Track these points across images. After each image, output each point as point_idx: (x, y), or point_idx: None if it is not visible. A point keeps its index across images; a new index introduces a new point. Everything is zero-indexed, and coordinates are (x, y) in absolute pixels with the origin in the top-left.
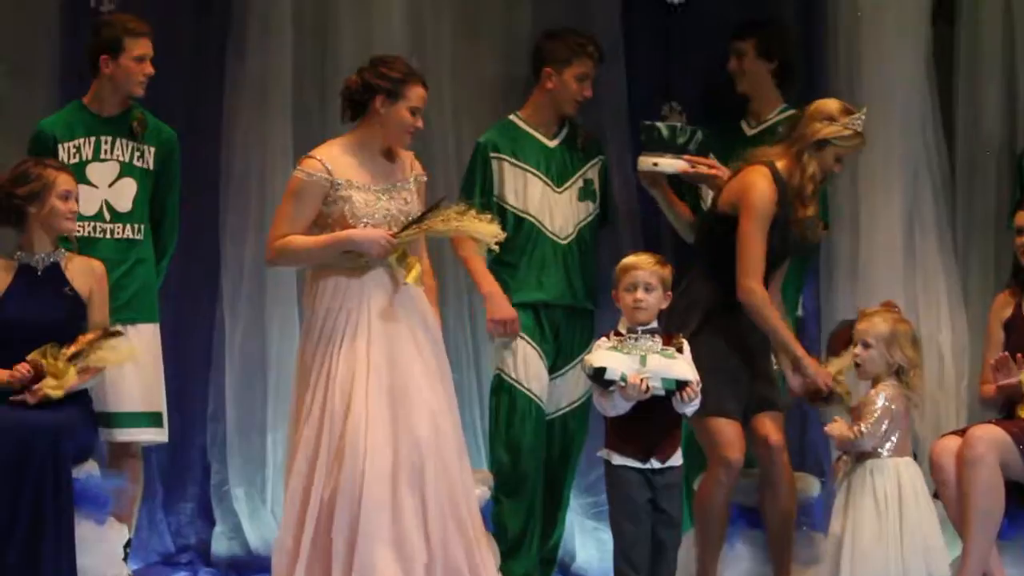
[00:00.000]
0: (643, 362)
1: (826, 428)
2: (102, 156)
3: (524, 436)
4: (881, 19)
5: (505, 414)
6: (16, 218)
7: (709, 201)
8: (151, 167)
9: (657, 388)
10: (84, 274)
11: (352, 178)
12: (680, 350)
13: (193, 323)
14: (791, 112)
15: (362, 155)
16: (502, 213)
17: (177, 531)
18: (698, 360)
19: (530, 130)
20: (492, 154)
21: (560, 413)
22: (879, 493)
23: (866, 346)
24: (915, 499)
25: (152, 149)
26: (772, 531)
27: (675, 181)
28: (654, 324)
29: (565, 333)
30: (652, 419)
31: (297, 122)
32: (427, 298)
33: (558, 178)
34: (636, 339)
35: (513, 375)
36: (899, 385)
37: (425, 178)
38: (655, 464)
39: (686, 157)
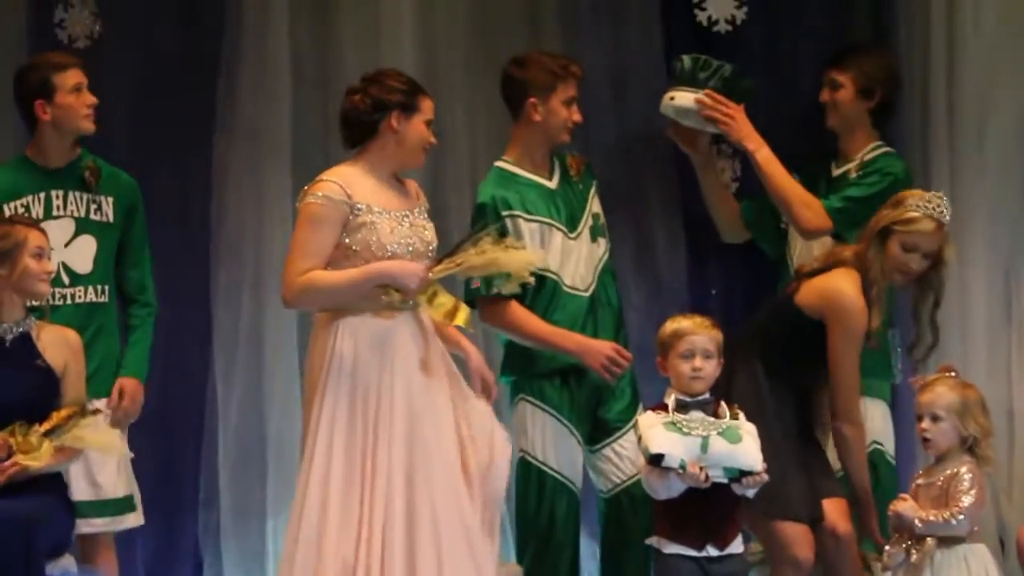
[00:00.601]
0: (704, 447)
1: (898, 507)
2: (55, 213)
3: (554, 526)
4: (979, 59)
5: (535, 503)
6: None
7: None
8: (111, 220)
9: (719, 477)
10: (57, 345)
11: (372, 202)
12: (736, 417)
13: (181, 397)
14: (885, 150)
15: (375, 178)
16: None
17: None
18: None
19: (527, 175)
20: (504, 212)
21: (621, 488)
22: None
23: (935, 419)
24: None
25: (110, 199)
26: None
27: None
28: (707, 395)
29: (606, 395)
30: (709, 501)
31: (297, 172)
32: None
33: (570, 222)
34: (693, 417)
35: (540, 457)
36: (973, 460)
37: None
38: (712, 552)
39: (706, 92)
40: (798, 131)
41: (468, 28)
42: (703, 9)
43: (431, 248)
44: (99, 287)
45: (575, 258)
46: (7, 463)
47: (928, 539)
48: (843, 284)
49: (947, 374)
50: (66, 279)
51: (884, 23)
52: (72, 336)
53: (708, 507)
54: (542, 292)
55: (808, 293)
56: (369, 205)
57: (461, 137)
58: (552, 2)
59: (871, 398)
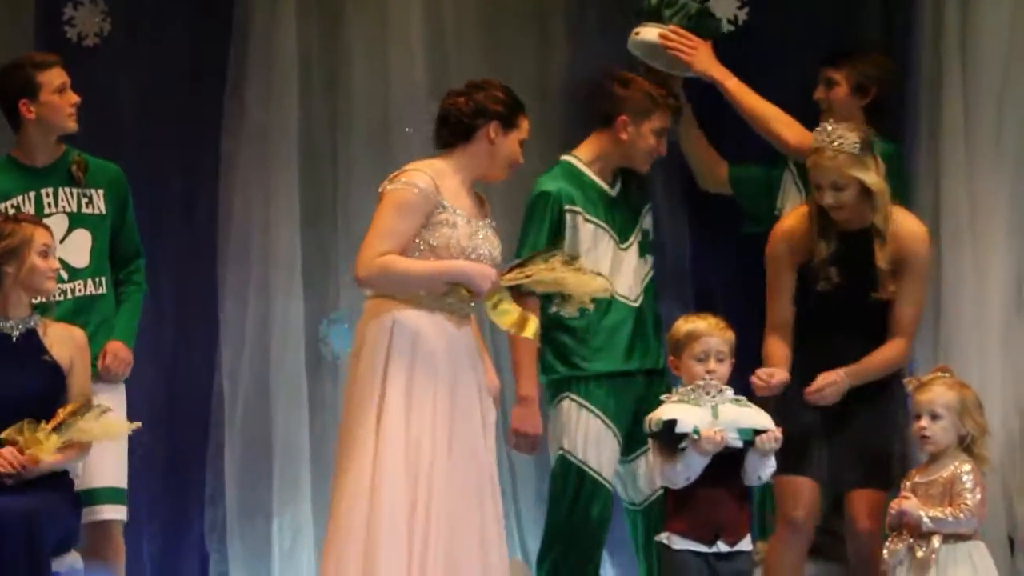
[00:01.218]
0: (715, 413)
1: (901, 504)
2: (46, 211)
3: (586, 527)
4: (993, 58)
5: (570, 502)
6: None
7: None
8: (103, 211)
9: (734, 439)
10: (64, 342)
11: (455, 203)
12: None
13: (188, 395)
14: (881, 146)
15: (459, 181)
16: None
17: None
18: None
19: (593, 176)
20: (567, 206)
21: (655, 497)
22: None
23: (934, 417)
24: None
25: (100, 191)
26: None
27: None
28: None
29: (647, 405)
30: (721, 493)
31: (305, 174)
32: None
33: (622, 234)
34: (699, 392)
35: (580, 456)
36: (971, 458)
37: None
38: (722, 548)
39: (670, 27)
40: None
41: (476, 30)
42: None
43: (498, 263)
44: (96, 279)
45: (626, 269)
46: (22, 457)
47: (934, 536)
48: (783, 218)
49: (942, 374)
50: (65, 274)
51: (895, 19)
52: (78, 333)
53: (721, 500)
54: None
55: None
56: (452, 205)
57: None
58: (560, 4)
59: None
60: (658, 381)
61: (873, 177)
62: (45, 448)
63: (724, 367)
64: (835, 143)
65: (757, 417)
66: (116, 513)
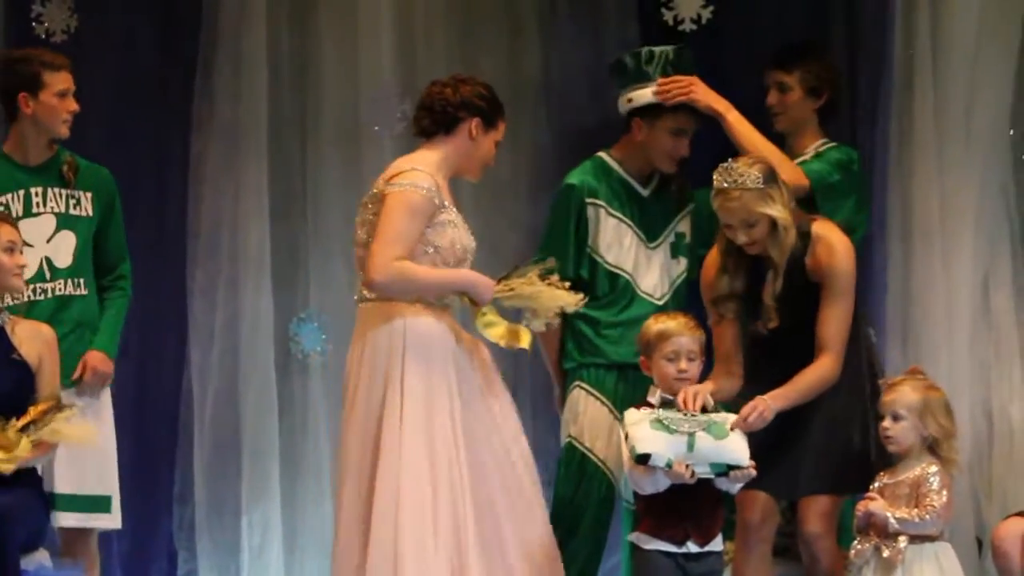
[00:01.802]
0: (691, 445)
1: (868, 506)
2: (35, 210)
3: (586, 514)
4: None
5: (572, 487)
6: None
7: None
8: (91, 214)
9: (705, 473)
10: (32, 340)
11: (448, 202)
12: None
13: (157, 394)
14: (831, 146)
15: (443, 176)
16: (593, 267)
17: None
18: None
19: (624, 174)
20: (589, 200)
21: None
22: None
23: (896, 418)
24: None
25: (89, 194)
26: None
27: None
28: None
29: None
30: (694, 495)
31: (274, 171)
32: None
33: (650, 233)
34: (678, 414)
35: (587, 443)
36: (936, 459)
37: None
38: (692, 548)
39: (659, 81)
40: (767, 129)
41: (446, 27)
42: (670, 8)
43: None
44: (76, 280)
45: (652, 267)
46: None
47: (900, 536)
48: (711, 251)
49: (914, 375)
50: (47, 273)
51: (863, 20)
52: (46, 330)
53: (693, 501)
54: (616, 290)
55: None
56: (447, 203)
57: None
58: (532, 2)
59: None
60: None
61: (779, 210)
62: (18, 448)
63: (695, 366)
64: (738, 181)
65: (733, 451)
66: (94, 521)
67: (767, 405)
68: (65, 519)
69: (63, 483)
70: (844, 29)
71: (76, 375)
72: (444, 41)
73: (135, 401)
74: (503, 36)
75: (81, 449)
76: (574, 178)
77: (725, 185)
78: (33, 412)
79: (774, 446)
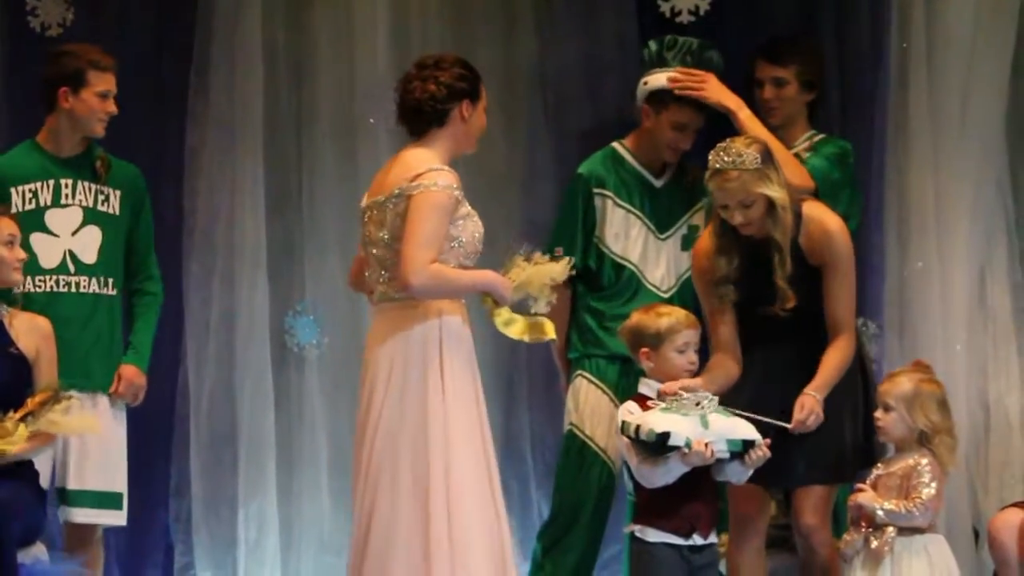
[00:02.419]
0: (704, 423)
1: (856, 498)
2: (63, 201)
3: (586, 501)
4: (958, 55)
5: (572, 474)
6: None
7: None
8: (117, 212)
9: (722, 452)
10: (29, 332)
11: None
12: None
13: (153, 387)
14: (821, 137)
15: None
16: (600, 257)
17: None
18: None
19: (636, 165)
20: (596, 189)
21: None
22: (939, 569)
23: (887, 409)
24: None
25: (118, 192)
26: None
27: None
28: None
29: None
30: (698, 487)
31: (270, 165)
32: None
33: (661, 224)
34: (684, 399)
35: (586, 431)
36: (928, 453)
37: None
38: (697, 540)
39: (675, 69)
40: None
41: (442, 19)
42: (666, 0)
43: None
44: (103, 279)
45: (660, 259)
46: None
47: (888, 527)
48: (701, 237)
49: (916, 368)
50: (71, 267)
51: (859, 12)
52: (43, 323)
53: (696, 493)
54: (621, 281)
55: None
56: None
57: None
58: None
59: None
60: None
61: (777, 190)
62: (14, 439)
63: (697, 358)
64: (736, 162)
65: (747, 428)
66: (103, 518)
67: (812, 399)
68: (75, 515)
69: (74, 479)
70: (839, 21)
71: (112, 389)
72: (439, 33)
73: None
74: (498, 28)
75: (94, 445)
76: (584, 168)
77: (722, 165)
78: (31, 403)
79: (768, 437)
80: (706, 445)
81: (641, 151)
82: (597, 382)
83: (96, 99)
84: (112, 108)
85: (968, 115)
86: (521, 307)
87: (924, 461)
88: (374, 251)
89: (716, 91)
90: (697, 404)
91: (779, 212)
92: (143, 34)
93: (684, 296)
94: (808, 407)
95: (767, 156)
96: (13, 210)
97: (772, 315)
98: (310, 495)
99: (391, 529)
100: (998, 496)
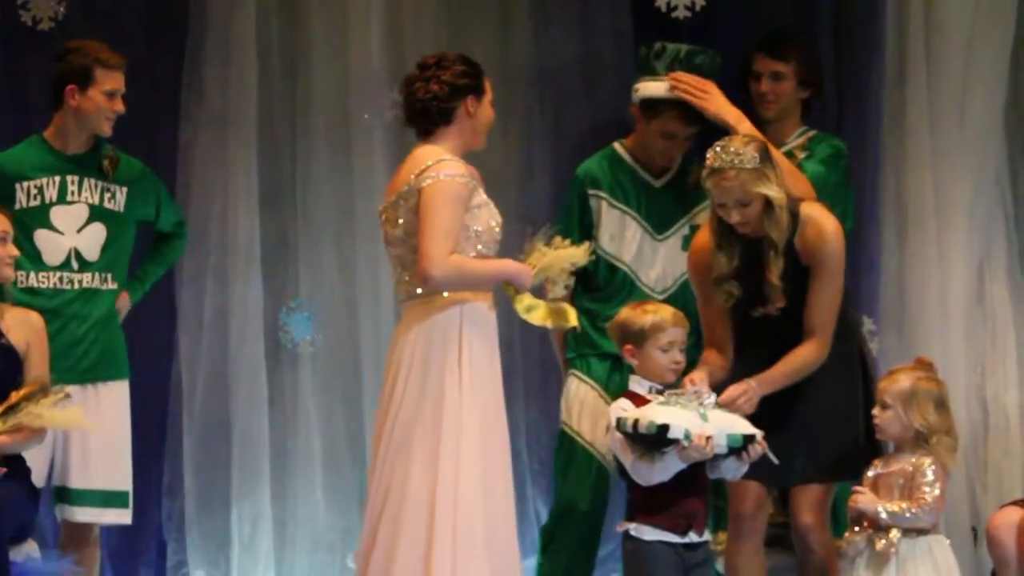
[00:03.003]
0: (704, 417)
1: (857, 503)
2: (68, 198)
3: (579, 497)
4: (956, 49)
5: (562, 470)
6: None
7: None
8: (122, 210)
9: (721, 447)
10: (20, 326)
11: (478, 184)
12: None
13: (145, 383)
14: (813, 133)
15: None
16: (596, 258)
17: None
18: None
19: (634, 165)
20: (591, 190)
21: None
22: (943, 572)
23: (884, 407)
24: None
25: (124, 189)
26: None
27: None
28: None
29: None
30: (694, 484)
31: (264, 160)
32: None
33: (660, 224)
34: (681, 393)
35: (575, 427)
36: (930, 453)
37: None
38: (693, 538)
39: (671, 75)
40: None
41: (437, 16)
42: None
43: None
44: (103, 275)
45: (657, 260)
46: None
47: (893, 529)
48: (698, 232)
49: (918, 365)
50: (75, 264)
51: (857, 8)
52: (35, 316)
53: (691, 491)
54: (614, 282)
55: None
56: (479, 186)
57: None
58: None
59: None
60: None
61: (775, 190)
62: None
63: (684, 357)
64: (734, 161)
65: (746, 424)
66: (107, 517)
67: (752, 387)
68: (79, 514)
69: (79, 478)
70: (836, 16)
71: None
72: (433, 29)
73: None
74: (493, 23)
75: (98, 443)
76: (581, 168)
77: (720, 164)
78: (14, 396)
79: (765, 435)
80: (707, 439)
81: (639, 151)
82: (589, 381)
83: (103, 97)
84: (119, 107)
85: (966, 110)
86: (538, 291)
87: (927, 461)
88: (393, 251)
89: (716, 103)
90: (696, 398)
91: (776, 211)
92: (136, 28)
93: (683, 298)
94: (740, 391)
95: (765, 155)
96: (17, 206)
97: (764, 316)
98: (304, 493)
99: (400, 512)
100: (996, 494)
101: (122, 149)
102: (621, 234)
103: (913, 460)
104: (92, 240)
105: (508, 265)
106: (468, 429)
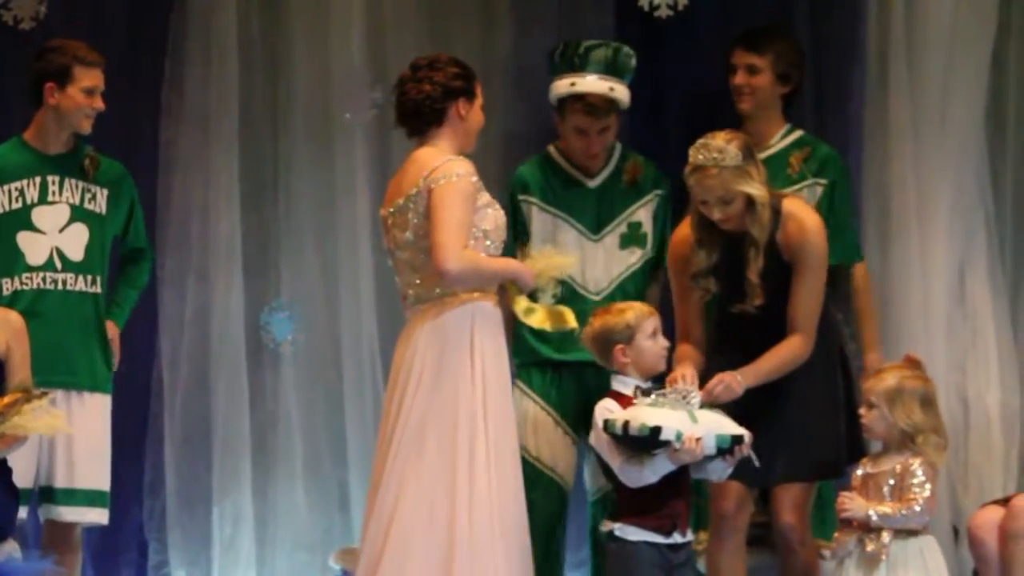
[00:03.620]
0: (692, 418)
1: (846, 506)
2: (50, 199)
3: (533, 512)
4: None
5: None
6: None
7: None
8: (103, 212)
9: (710, 448)
10: (0, 328)
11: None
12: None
13: (127, 383)
14: (800, 134)
15: None
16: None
17: None
18: None
19: (567, 167)
20: (520, 196)
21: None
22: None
23: (870, 406)
24: None
25: (105, 191)
26: None
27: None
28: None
29: (596, 392)
30: (680, 485)
31: (245, 159)
32: None
33: (596, 224)
34: (668, 393)
35: (520, 442)
36: (920, 453)
37: None
38: (678, 538)
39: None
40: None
41: (418, 13)
42: None
43: None
44: (90, 277)
45: (592, 262)
46: None
47: (884, 531)
48: (679, 226)
49: (906, 364)
50: (58, 264)
51: (839, 6)
52: (15, 317)
53: (676, 491)
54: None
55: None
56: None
57: None
58: None
59: None
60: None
61: (757, 188)
62: None
63: (667, 342)
64: (716, 159)
65: (732, 424)
66: (88, 516)
67: (735, 378)
68: (63, 513)
69: (63, 478)
70: (817, 15)
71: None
72: (415, 27)
73: None
74: (474, 21)
75: (81, 444)
76: (516, 173)
77: (702, 162)
78: (0, 404)
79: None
80: (696, 441)
81: (570, 152)
82: (527, 390)
83: (82, 95)
84: (99, 104)
85: (948, 111)
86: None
87: (916, 461)
88: (401, 255)
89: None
90: (684, 398)
91: (758, 209)
92: (117, 27)
93: (627, 295)
94: (724, 380)
95: (748, 153)
96: (0, 210)
97: (742, 313)
98: (285, 492)
99: (414, 514)
100: (977, 493)
101: (103, 148)
102: (554, 238)
103: (902, 460)
104: (74, 240)
105: (514, 264)
106: (483, 430)
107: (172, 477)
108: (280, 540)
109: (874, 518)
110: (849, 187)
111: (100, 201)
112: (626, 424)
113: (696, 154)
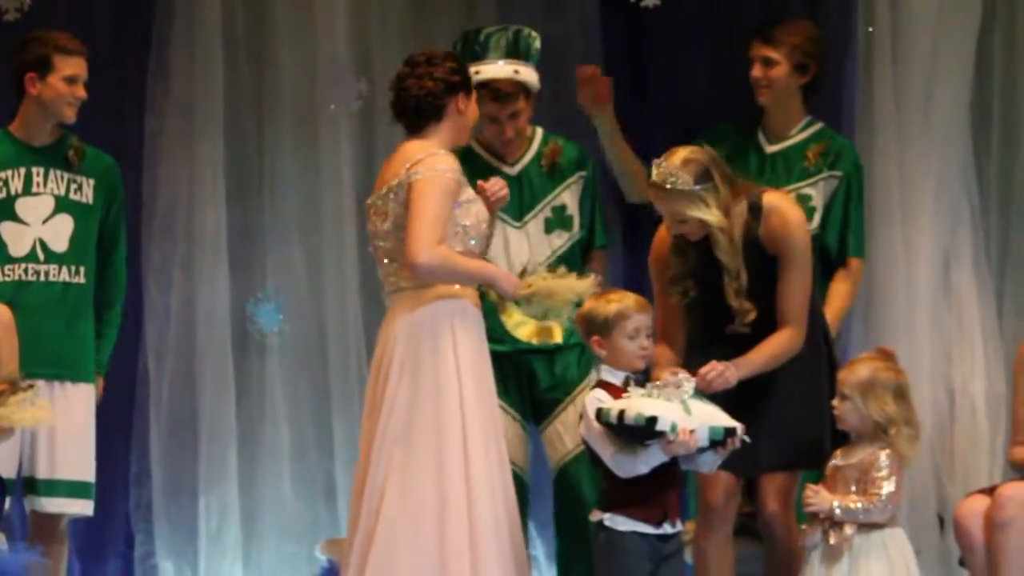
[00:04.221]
0: (686, 409)
1: (810, 501)
2: (34, 190)
3: None
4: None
5: None
6: None
7: None
8: (90, 202)
9: (703, 440)
10: None
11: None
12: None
13: (113, 374)
14: (820, 127)
15: None
16: None
17: None
18: None
19: (487, 156)
20: None
21: (564, 462)
22: (897, 565)
23: (843, 397)
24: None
25: (91, 181)
26: None
27: None
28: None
29: (544, 377)
30: (671, 475)
31: (230, 151)
32: None
33: (518, 211)
34: (662, 384)
35: None
36: (887, 445)
37: None
38: (668, 529)
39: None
40: (730, 106)
41: (403, 6)
42: None
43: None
44: (74, 267)
45: (515, 248)
46: None
47: (847, 525)
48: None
49: (878, 355)
50: (41, 255)
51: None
52: (2, 310)
53: (667, 481)
54: None
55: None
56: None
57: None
58: None
59: None
60: (564, 359)
61: (712, 214)
62: None
63: (651, 344)
64: (667, 183)
65: (725, 416)
66: (73, 507)
67: (730, 369)
68: (47, 504)
69: (46, 468)
70: (805, 7)
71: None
72: (400, 19)
73: None
74: (459, 12)
75: (64, 435)
76: None
77: (656, 179)
78: None
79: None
80: (690, 433)
81: (488, 141)
82: None
83: (63, 84)
84: (81, 93)
85: (932, 102)
86: (539, 317)
87: (883, 454)
88: (380, 244)
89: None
90: (678, 388)
91: (717, 235)
92: (102, 19)
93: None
94: (717, 367)
95: (704, 177)
96: None
97: (737, 333)
98: (272, 484)
99: (402, 507)
100: (963, 482)
101: (88, 140)
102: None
103: (869, 452)
104: (58, 231)
105: (492, 268)
106: (470, 420)
107: (158, 468)
108: (267, 531)
109: (837, 512)
110: (861, 181)
111: (87, 191)
112: (621, 413)
113: (654, 168)
